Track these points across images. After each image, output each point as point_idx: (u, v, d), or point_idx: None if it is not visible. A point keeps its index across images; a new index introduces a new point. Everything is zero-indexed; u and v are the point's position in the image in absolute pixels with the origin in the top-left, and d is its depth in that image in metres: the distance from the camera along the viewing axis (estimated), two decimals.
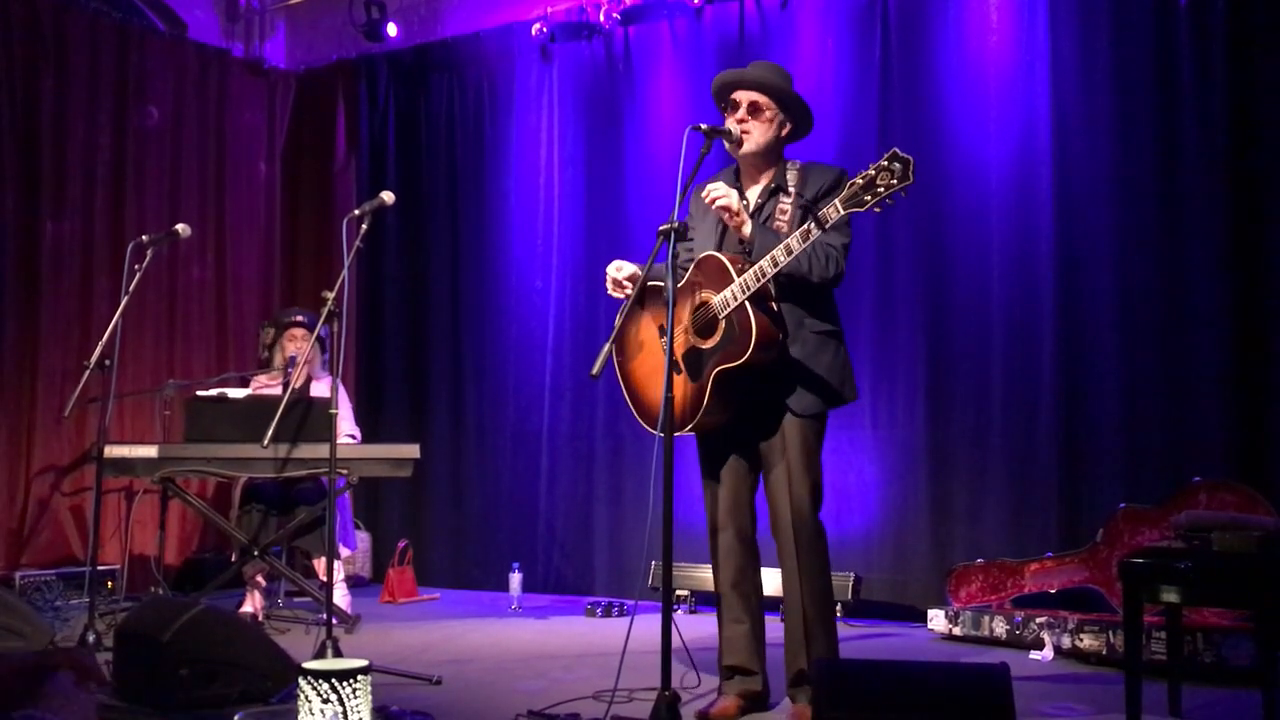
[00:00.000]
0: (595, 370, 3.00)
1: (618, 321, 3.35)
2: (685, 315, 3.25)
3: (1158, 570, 2.99)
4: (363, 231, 3.81)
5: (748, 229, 3.18)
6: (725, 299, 3.14)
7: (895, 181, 2.92)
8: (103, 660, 3.71)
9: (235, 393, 5.26)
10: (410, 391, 6.73)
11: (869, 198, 2.95)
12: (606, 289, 3.40)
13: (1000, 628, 4.45)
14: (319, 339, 5.09)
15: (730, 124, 3.32)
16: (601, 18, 6.10)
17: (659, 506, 2.98)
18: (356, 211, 3.86)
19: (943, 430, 5.12)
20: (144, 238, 4.35)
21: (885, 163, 2.94)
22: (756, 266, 3.09)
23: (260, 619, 4.95)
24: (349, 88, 7.04)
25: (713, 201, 3.18)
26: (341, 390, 5.45)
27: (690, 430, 3.25)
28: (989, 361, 5.05)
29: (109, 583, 5.58)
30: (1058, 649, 4.22)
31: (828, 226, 3.01)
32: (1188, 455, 4.54)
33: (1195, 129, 4.67)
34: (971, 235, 5.10)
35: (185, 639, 3.29)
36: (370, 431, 6.30)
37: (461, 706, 3.45)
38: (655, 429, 3.27)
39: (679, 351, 3.23)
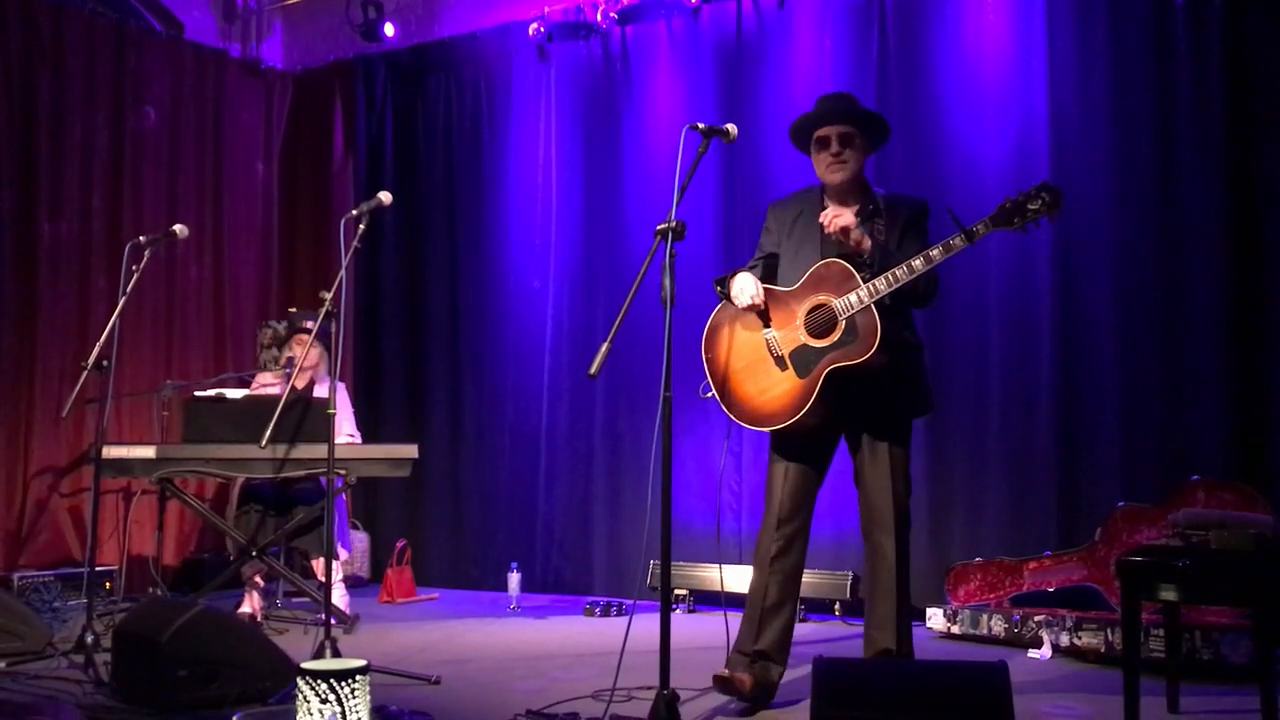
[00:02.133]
0: (593, 370, 3.00)
1: (709, 323, 3.45)
2: (799, 314, 3.36)
3: (1156, 569, 2.99)
4: (360, 232, 3.81)
5: (868, 243, 3.31)
6: (849, 301, 3.26)
7: (1044, 209, 3.20)
8: (101, 661, 3.71)
9: (233, 393, 5.26)
10: (408, 392, 6.72)
11: (1017, 220, 3.22)
12: (743, 302, 3.39)
13: (999, 626, 4.45)
14: (320, 340, 5.07)
15: (824, 159, 3.45)
16: (599, 17, 6.10)
17: (658, 505, 2.98)
18: (354, 212, 3.86)
19: (941, 429, 5.11)
20: (141, 238, 4.34)
21: (1035, 191, 3.21)
22: (890, 273, 3.23)
23: (258, 619, 4.95)
24: (346, 88, 7.03)
25: (832, 225, 3.30)
26: (344, 393, 5.45)
27: (789, 426, 3.33)
28: (987, 360, 5.05)
29: (107, 583, 5.58)
30: (1056, 647, 4.22)
31: (975, 241, 3.19)
32: (1186, 454, 4.55)
33: (1193, 127, 4.68)
34: None
35: (184, 640, 3.29)
36: (369, 432, 6.30)
37: (460, 706, 3.45)
38: (745, 423, 3.41)
39: (787, 349, 3.35)
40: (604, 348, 3.04)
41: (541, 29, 6.29)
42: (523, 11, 6.40)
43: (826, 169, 3.48)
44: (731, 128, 3.30)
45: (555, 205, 6.29)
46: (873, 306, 3.23)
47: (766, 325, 3.41)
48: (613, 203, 6.09)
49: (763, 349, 3.40)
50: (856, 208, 3.44)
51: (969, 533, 5.01)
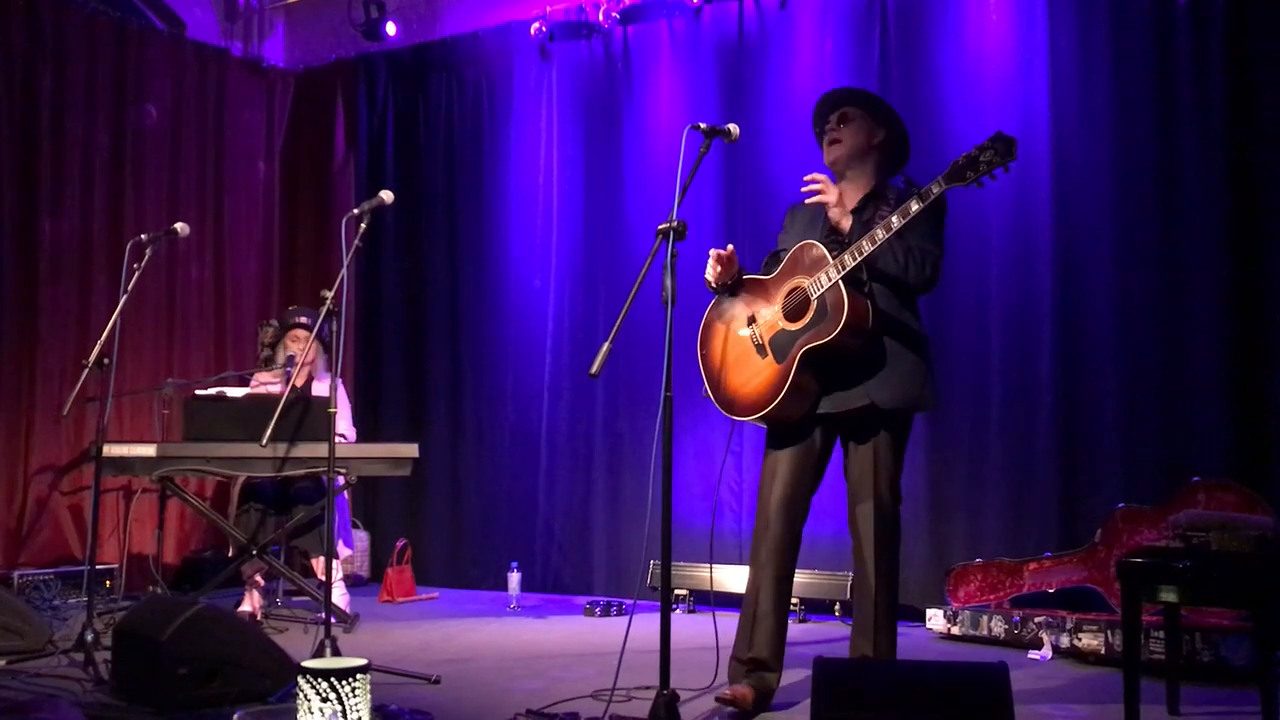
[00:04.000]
0: (594, 369, 3.00)
1: (703, 321, 3.42)
2: (778, 300, 3.32)
3: (1156, 570, 2.99)
4: (361, 231, 3.81)
5: (847, 223, 3.25)
6: (819, 280, 3.21)
7: (998, 159, 3.07)
8: (101, 659, 3.71)
9: (234, 392, 5.26)
10: (409, 391, 6.72)
11: (971, 174, 3.10)
12: (708, 276, 3.41)
13: (999, 627, 4.46)
14: (320, 339, 5.08)
15: (824, 140, 3.44)
16: (600, 17, 6.10)
17: (658, 505, 2.98)
18: (355, 211, 3.85)
19: (941, 429, 5.11)
20: (143, 236, 4.33)
21: (988, 142, 3.09)
22: (854, 246, 3.16)
23: (258, 618, 4.95)
24: (348, 87, 7.03)
25: (809, 184, 3.25)
26: (341, 389, 5.45)
27: (767, 414, 3.27)
28: (988, 360, 5.05)
29: (107, 582, 5.58)
30: (1056, 648, 4.22)
31: (929, 200, 3.10)
32: (1186, 455, 4.55)
33: (1194, 127, 4.67)
34: (970, 235, 5.09)
35: (184, 638, 3.29)
36: (369, 431, 6.30)
37: (460, 706, 3.45)
38: (734, 416, 3.36)
39: (767, 336, 3.30)
40: (605, 347, 3.04)
41: (543, 28, 6.30)
42: (524, 11, 6.40)
43: (826, 147, 3.46)
44: (733, 128, 3.29)
45: (556, 205, 6.29)
46: (840, 283, 3.16)
47: (751, 316, 3.38)
48: (614, 202, 6.09)
49: (747, 339, 3.37)
50: (863, 193, 3.38)
51: (969, 534, 5.00)
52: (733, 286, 3.45)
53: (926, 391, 3.34)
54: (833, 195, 3.26)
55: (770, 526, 3.34)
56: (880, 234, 3.14)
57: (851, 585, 3.40)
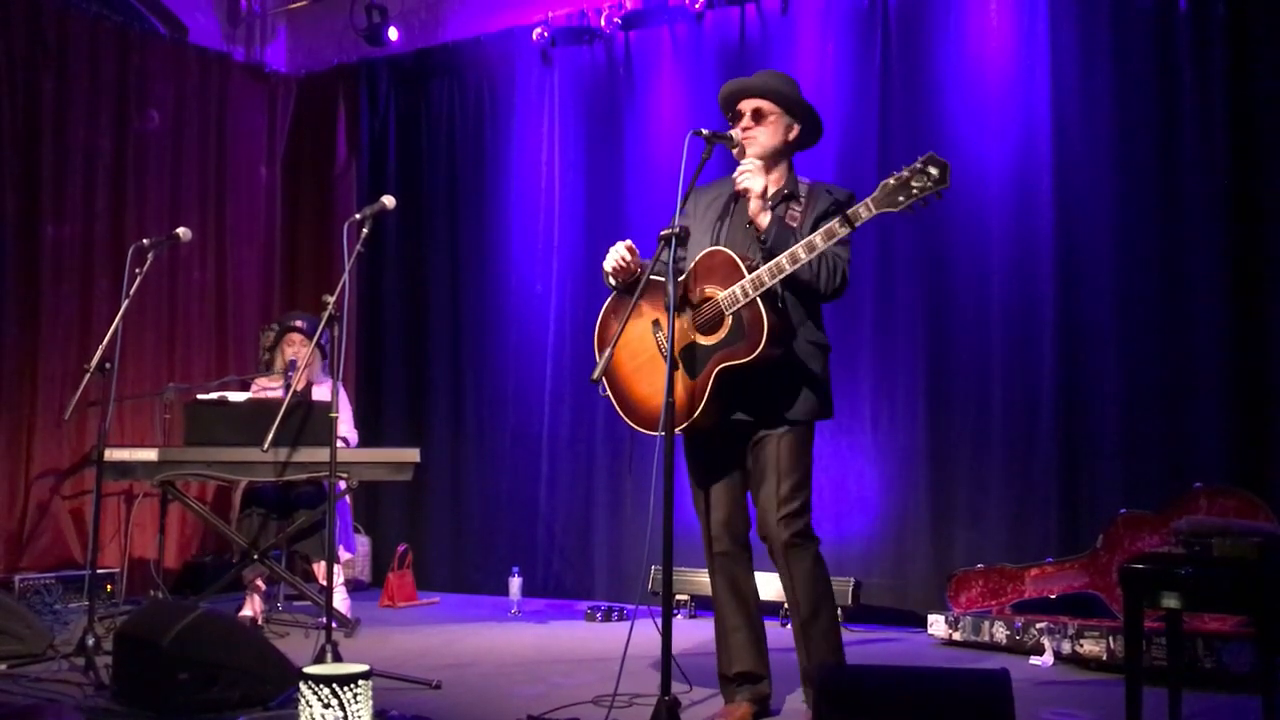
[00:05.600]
0: (596, 375, 3.00)
1: (600, 318, 3.25)
2: (687, 309, 3.20)
3: (1158, 576, 2.98)
4: (363, 236, 3.81)
5: (765, 219, 3.14)
6: (734, 294, 3.09)
7: (930, 185, 2.92)
8: (102, 664, 3.71)
9: (235, 396, 5.26)
10: (410, 395, 6.72)
11: (902, 198, 2.94)
12: (607, 265, 3.28)
13: (1000, 633, 4.45)
14: (318, 344, 5.08)
15: (735, 133, 3.31)
16: (602, 22, 6.10)
17: (659, 510, 2.98)
18: (357, 215, 3.86)
19: (943, 435, 5.11)
20: (144, 241, 4.34)
21: (920, 165, 2.93)
22: (773, 262, 3.04)
23: (259, 623, 4.95)
24: (350, 92, 7.04)
25: (740, 181, 3.14)
26: (342, 393, 5.45)
27: (682, 430, 3.19)
28: (989, 365, 5.05)
29: (108, 586, 5.58)
30: (1058, 654, 4.21)
31: (857, 225, 2.99)
32: (1188, 461, 4.54)
33: (1195, 131, 4.68)
34: (972, 239, 5.10)
35: (185, 643, 3.29)
36: (370, 435, 6.29)
37: (461, 711, 3.45)
38: (642, 428, 3.25)
39: (676, 348, 3.19)
40: (607, 353, 3.04)
41: (545, 33, 6.30)
42: (526, 16, 6.40)
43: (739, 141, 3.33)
44: (736, 133, 3.30)
45: (558, 209, 6.29)
46: (758, 300, 3.04)
47: (656, 320, 3.24)
48: (615, 207, 6.09)
49: (653, 346, 3.24)
50: (774, 190, 3.28)
51: (971, 539, 5.00)
52: (630, 285, 3.26)
53: (829, 401, 3.31)
54: (758, 185, 3.14)
55: (717, 543, 3.32)
56: (803, 254, 3.02)
57: (774, 600, 3.35)
